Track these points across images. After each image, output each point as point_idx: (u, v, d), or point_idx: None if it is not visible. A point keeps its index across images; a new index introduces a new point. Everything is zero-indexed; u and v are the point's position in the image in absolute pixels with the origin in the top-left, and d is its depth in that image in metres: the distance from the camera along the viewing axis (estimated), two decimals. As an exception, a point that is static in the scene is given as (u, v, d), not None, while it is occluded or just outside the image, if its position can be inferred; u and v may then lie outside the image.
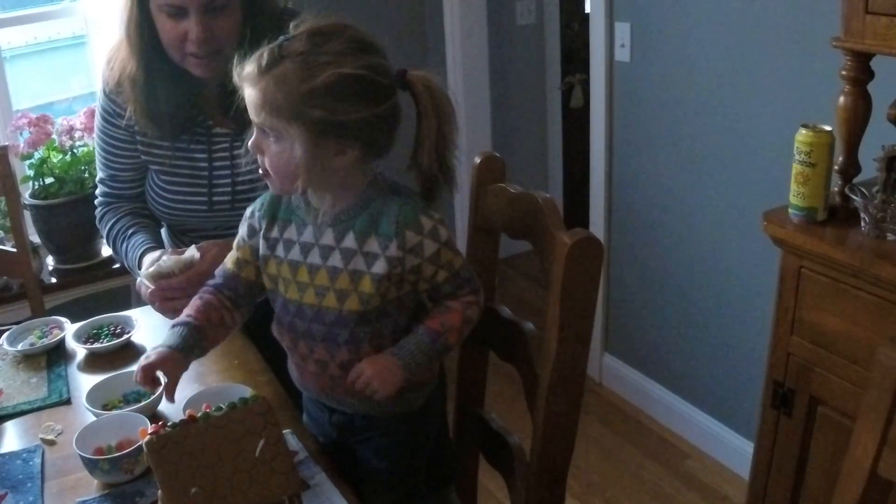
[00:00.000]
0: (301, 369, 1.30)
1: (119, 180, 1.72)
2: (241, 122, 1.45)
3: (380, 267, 1.15)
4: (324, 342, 1.22)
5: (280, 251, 1.23)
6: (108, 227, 1.71)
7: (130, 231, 1.65)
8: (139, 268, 1.52)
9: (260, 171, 1.19)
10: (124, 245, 1.65)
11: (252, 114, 1.14)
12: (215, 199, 1.63)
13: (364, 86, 1.09)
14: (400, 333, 1.22)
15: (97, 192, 1.77)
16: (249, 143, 1.17)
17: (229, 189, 1.62)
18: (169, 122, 1.57)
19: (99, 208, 1.76)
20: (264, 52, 1.11)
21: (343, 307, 1.18)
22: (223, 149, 1.61)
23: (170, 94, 1.54)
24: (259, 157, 1.17)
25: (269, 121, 1.11)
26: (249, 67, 1.12)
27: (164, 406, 1.40)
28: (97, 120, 1.69)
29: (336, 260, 1.18)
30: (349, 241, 1.17)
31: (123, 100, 1.59)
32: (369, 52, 1.12)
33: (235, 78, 1.15)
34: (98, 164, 1.75)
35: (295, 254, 1.21)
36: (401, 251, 1.15)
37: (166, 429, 1.07)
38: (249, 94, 1.13)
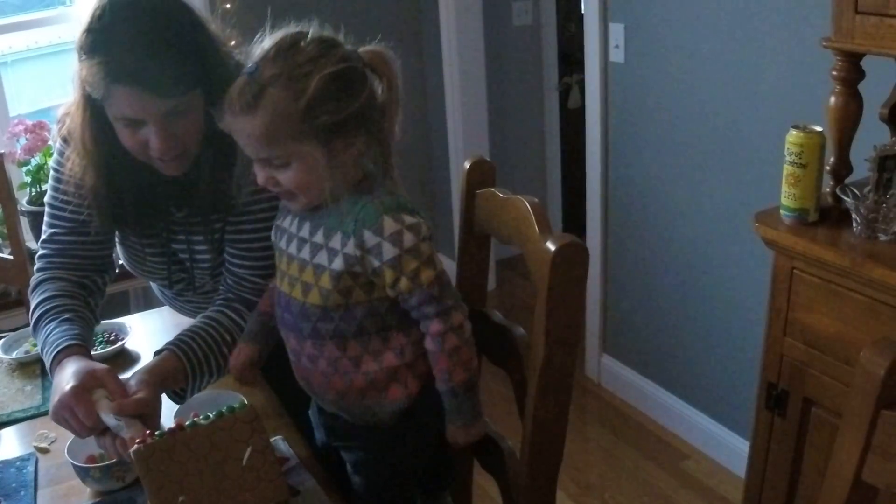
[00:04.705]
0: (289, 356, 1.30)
1: (80, 233, 1.46)
2: (202, 207, 1.39)
3: (337, 263, 1.15)
4: (294, 332, 1.24)
5: (281, 241, 1.25)
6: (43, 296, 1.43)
7: (66, 315, 1.38)
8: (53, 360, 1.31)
9: (281, 198, 1.20)
10: (50, 325, 1.37)
11: (253, 151, 1.13)
12: (174, 277, 1.54)
13: (349, 77, 1.11)
14: (367, 338, 1.19)
15: (38, 256, 1.50)
16: (260, 181, 1.15)
17: (187, 273, 1.52)
18: (135, 222, 1.45)
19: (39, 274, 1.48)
20: (242, 89, 1.09)
21: (306, 300, 1.19)
22: (181, 231, 1.48)
23: (134, 196, 1.41)
24: (272, 186, 1.16)
25: (277, 150, 1.11)
26: (233, 110, 1.10)
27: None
28: (52, 174, 1.49)
29: (306, 252, 1.19)
30: (319, 236, 1.18)
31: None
32: (336, 45, 1.12)
33: (222, 126, 1.13)
34: (49, 223, 1.49)
35: (284, 242, 1.24)
36: (359, 250, 1.13)
37: (154, 437, 1.07)
38: (244, 134, 1.11)
